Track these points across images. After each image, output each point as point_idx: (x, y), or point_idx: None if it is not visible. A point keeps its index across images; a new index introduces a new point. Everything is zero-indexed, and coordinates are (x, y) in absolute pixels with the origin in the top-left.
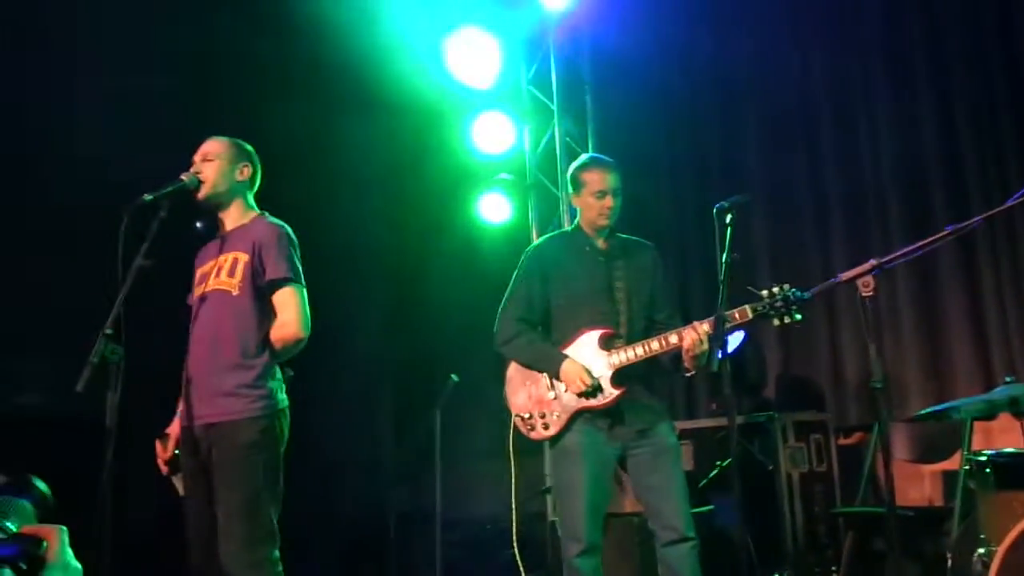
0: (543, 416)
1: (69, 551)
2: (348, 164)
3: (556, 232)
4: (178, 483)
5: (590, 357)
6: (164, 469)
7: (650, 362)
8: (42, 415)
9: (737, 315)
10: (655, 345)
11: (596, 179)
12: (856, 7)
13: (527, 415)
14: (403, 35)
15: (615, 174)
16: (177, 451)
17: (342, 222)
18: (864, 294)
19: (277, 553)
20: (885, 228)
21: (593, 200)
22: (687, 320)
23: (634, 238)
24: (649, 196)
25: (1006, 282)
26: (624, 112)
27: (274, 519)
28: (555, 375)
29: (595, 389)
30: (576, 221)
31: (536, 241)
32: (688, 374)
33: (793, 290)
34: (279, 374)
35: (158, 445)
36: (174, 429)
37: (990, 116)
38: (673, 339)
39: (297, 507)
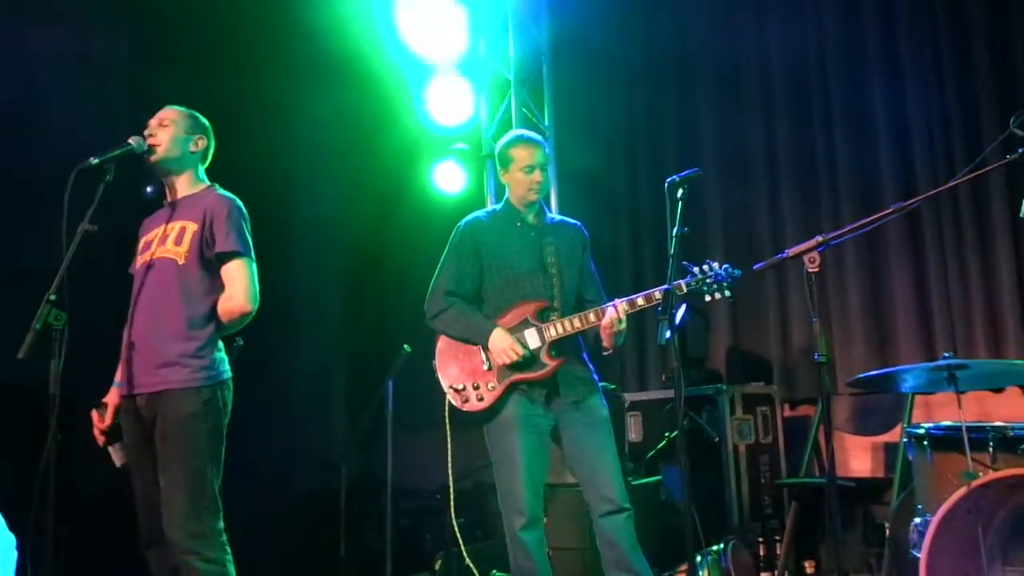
0: (476, 388)
1: (2, 523)
2: (305, 134)
3: (486, 209)
4: (115, 454)
5: (526, 329)
6: (100, 440)
7: (581, 335)
8: None
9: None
10: (576, 323)
11: (524, 155)
12: None
13: (460, 387)
14: (360, 3)
15: (541, 149)
16: (117, 420)
17: (298, 192)
18: (810, 270)
19: (222, 523)
20: (835, 202)
21: (522, 175)
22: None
23: (560, 216)
24: (604, 166)
25: (950, 259)
26: (581, 83)
27: (216, 489)
28: (484, 346)
29: (527, 360)
30: (505, 198)
31: (467, 217)
32: (606, 352)
33: (726, 267)
34: (222, 345)
35: (95, 415)
36: (112, 398)
37: (939, 93)
38: (592, 317)
39: (253, 478)
